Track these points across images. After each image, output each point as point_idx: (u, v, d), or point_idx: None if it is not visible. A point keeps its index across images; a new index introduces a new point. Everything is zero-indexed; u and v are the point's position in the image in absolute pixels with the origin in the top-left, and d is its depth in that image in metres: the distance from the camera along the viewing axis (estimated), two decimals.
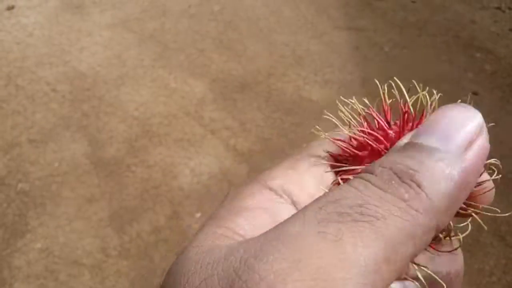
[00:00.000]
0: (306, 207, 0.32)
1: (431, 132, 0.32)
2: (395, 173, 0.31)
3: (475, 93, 2.31)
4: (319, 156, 0.39)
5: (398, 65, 2.49)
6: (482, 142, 0.32)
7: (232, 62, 2.47)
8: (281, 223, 0.32)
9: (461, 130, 0.32)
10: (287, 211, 0.35)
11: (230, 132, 2.12)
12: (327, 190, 0.37)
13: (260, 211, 0.35)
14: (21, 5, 2.74)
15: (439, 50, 2.62)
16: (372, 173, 0.32)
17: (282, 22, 2.75)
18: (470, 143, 0.32)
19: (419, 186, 0.31)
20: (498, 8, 2.94)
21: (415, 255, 0.31)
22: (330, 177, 0.38)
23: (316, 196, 0.34)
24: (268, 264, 0.28)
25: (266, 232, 0.31)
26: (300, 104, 2.28)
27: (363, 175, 0.32)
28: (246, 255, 0.29)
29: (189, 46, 2.55)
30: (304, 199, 0.36)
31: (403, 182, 0.31)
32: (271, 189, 0.36)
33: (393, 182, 0.31)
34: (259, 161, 2.00)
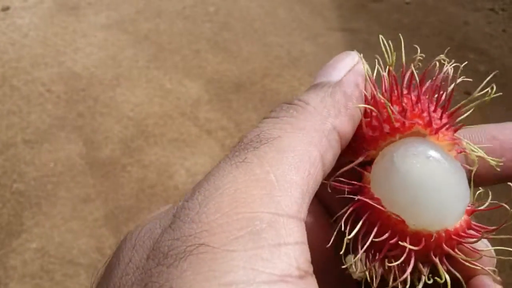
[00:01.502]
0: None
1: (322, 74, 0.40)
2: (289, 103, 0.37)
3: (468, 93, 2.32)
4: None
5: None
6: (357, 68, 0.39)
7: (227, 63, 2.48)
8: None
9: (338, 64, 0.40)
10: None
11: (226, 132, 2.13)
12: None
13: None
14: (16, 6, 2.74)
15: (432, 51, 2.62)
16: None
17: (277, 24, 2.76)
18: (348, 71, 0.39)
19: (306, 102, 0.37)
20: (492, 9, 2.96)
21: (323, 157, 0.35)
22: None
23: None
24: (194, 199, 0.32)
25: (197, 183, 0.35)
26: None
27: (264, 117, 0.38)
28: (180, 203, 0.33)
29: (184, 47, 2.55)
30: None
31: (293, 104, 0.37)
32: None
33: (283, 107, 0.37)
34: None
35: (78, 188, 1.89)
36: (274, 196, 0.31)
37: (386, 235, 0.32)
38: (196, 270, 0.28)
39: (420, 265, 0.33)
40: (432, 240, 0.32)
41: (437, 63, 0.40)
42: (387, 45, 0.41)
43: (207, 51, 2.54)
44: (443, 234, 0.32)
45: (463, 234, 0.33)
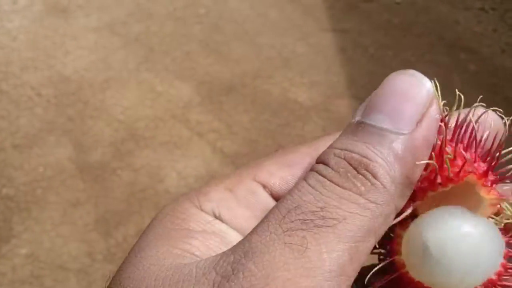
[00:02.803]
0: (269, 216, 0.32)
1: (380, 110, 0.32)
2: (350, 164, 0.31)
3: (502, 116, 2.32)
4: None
5: (383, 67, 2.50)
6: (433, 114, 0.32)
7: (218, 65, 2.47)
8: (247, 237, 0.32)
9: (409, 103, 0.31)
10: (232, 233, 0.36)
11: (217, 134, 2.12)
12: None
13: (209, 234, 0.35)
14: (6, 9, 2.72)
15: (423, 51, 2.63)
16: (326, 164, 0.32)
17: (268, 25, 2.76)
18: (421, 115, 0.31)
19: (374, 176, 0.31)
20: (482, 8, 2.97)
21: (376, 242, 0.32)
22: (262, 209, 0.37)
23: (245, 230, 0.34)
24: (238, 284, 0.29)
25: (234, 248, 0.32)
26: (286, 106, 2.28)
27: (318, 168, 0.33)
28: (219, 277, 0.30)
29: (175, 49, 2.54)
30: (234, 226, 0.36)
31: (359, 173, 0.31)
32: (204, 211, 0.36)
33: (349, 175, 0.31)
34: (246, 163, 2.00)
35: (68, 193, 1.88)
36: (320, 283, 0.29)
37: None
38: None
39: None
40: None
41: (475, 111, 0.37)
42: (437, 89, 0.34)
43: (198, 53, 2.53)
44: None
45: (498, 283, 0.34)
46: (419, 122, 0.31)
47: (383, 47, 2.62)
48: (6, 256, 1.70)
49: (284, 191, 0.37)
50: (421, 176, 0.33)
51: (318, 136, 0.40)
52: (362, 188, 0.31)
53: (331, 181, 0.31)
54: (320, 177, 0.32)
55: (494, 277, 0.33)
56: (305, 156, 0.39)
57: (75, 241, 1.74)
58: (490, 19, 2.90)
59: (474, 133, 0.35)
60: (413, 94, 0.32)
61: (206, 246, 0.34)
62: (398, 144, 0.31)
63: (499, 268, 0.33)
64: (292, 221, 0.30)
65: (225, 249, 0.33)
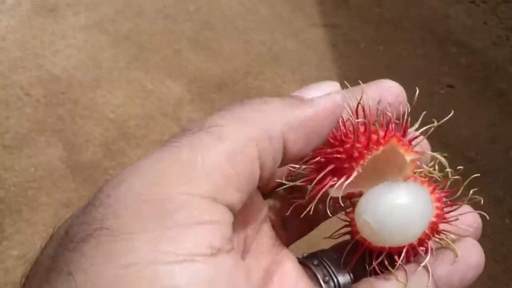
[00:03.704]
0: None
1: (297, 92, 0.39)
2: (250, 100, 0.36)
3: (450, 86, 2.32)
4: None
5: (375, 61, 2.50)
6: (334, 96, 0.39)
7: (209, 62, 2.46)
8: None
9: (318, 87, 0.39)
10: None
11: None
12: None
13: None
14: None
15: (414, 45, 2.63)
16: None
17: (258, 21, 2.74)
18: (325, 93, 0.39)
19: (265, 101, 0.36)
20: (472, 2, 2.97)
21: (261, 157, 0.33)
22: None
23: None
24: (109, 182, 0.32)
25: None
26: None
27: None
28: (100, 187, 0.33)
29: (165, 46, 2.53)
30: None
31: (252, 100, 0.36)
32: None
33: (243, 102, 0.36)
34: None
35: (59, 193, 1.86)
36: (192, 178, 0.30)
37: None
38: (95, 253, 0.28)
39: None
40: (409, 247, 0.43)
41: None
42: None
43: (188, 50, 2.51)
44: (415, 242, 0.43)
45: (434, 228, 0.44)
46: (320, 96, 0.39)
47: (374, 42, 2.61)
48: None
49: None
50: (359, 142, 0.42)
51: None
52: (248, 107, 0.35)
53: (222, 108, 0.35)
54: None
55: (427, 230, 0.43)
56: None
57: None
58: (481, 12, 2.91)
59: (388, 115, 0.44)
60: (320, 84, 0.40)
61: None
62: (296, 99, 0.38)
63: (431, 219, 0.43)
64: (174, 135, 0.33)
65: None
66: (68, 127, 2.09)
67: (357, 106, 0.43)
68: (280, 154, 0.36)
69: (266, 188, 0.46)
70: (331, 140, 0.43)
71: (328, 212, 0.44)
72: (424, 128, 0.45)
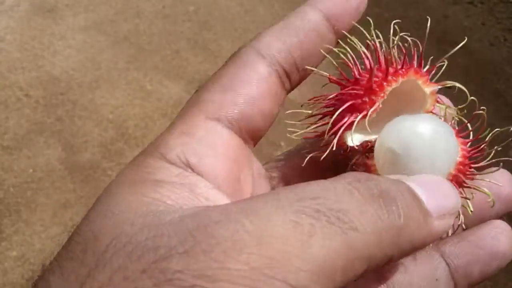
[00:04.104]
0: (280, 192, 0.32)
1: (424, 189, 0.34)
2: (388, 193, 0.32)
3: (448, 87, 2.33)
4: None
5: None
6: (449, 222, 0.35)
7: (208, 63, 2.46)
8: (250, 199, 0.32)
9: (445, 201, 0.35)
10: (202, 183, 0.35)
11: None
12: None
13: (176, 185, 0.34)
14: None
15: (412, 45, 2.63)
16: (363, 182, 0.33)
17: (257, 21, 2.75)
18: (444, 215, 0.34)
19: (399, 216, 0.32)
20: (471, 2, 2.98)
21: (361, 275, 0.31)
22: (228, 143, 0.38)
23: (216, 168, 0.35)
24: (229, 232, 0.28)
25: (230, 204, 0.31)
26: None
27: (350, 180, 0.33)
28: (207, 220, 0.29)
29: (164, 47, 2.53)
30: (205, 169, 0.36)
31: (390, 204, 0.32)
32: (169, 162, 0.35)
33: (381, 200, 0.32)
34: None
35: (58, 194, 1.86)
36: (310, 279, 0.29)
37: None
38: None
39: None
40: None
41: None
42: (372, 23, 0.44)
43: (187, 51, 2.52)
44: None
45: (466, 166, 0.39)
46: (440, 218, 0.35)
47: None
48: None
49: (236, 114, 0.38)
50: (376, 76, 0.40)
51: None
52: (386, 216, 0.31)
53: (361, 195, 0.32)
54: (350, 187, 0.32)
55: (454, 171, 0.39)
56: (238, 74, 0.40)
57: None
58: (479, 13, 2.91)
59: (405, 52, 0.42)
60: (450, 197, 0.36)
61: (176, 194, 0.33)
62: (423, 215, 0.34)
63: (457, 159, 0.39)
64: (305, 207, 0.30)
65: (195, 200, 0.33)
66: (67, 128, 2.10)
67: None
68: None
69: None
70: (343, 84, 0.41)
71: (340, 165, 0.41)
72: (447, 56, 0.43)
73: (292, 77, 0.43)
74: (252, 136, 0.41)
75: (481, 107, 0.42)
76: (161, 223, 0.30)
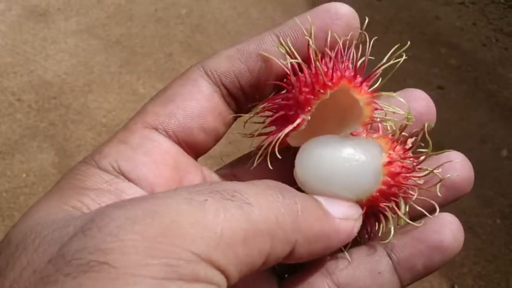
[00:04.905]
0: (182, 186, 0.33)
1: (327, 200, 0.38)
2: (282, 188, 0.35)
3: (441, 88, 2.34)
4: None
5: None
6: (353, 224, 0.38)
7: None
8: (157, 193, 0.33)
9: (348, 209, 0.38)
10: (131, 189, 0.37)
11: None
12: None
13: (104, 192, 0.35)
14: None
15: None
16: (266, 181, 0.36)
17: (250, 24, 2.75)
18: (346, 218, 0.38)
19: (295, 203, 0.34)
20: (462, 3, 2.99)
21: (270, 258, 0.33)
22: (165, 151, 0.39)
23: (151, 175, 0.37)
24: (122, 211, 0.29)
25: (137, 197, 0.33)
26: None
27: (264, 182, 0.35)
28: (107, 207, 0.31)
29: (156, 50, 2.53)
30: (138, 176, 0.37)
31: (285, 193, 0.35)
32: (101, 168, 0.37)
33: (277, 189, 0.35)
34: (230, 164, 1.99)
35: None
36: (208, 243, 0.30)
37: None
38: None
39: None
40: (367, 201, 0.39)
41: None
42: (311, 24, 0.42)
43: (180, 54, 2.51)
44: (375, 194, 0.39)
45: (389, 192, 0.39)
46: (342, 219, 0.38)
47: (365, 44, 2.62)
48: None
49: (175, 126, 0.40)
50: (302, 88, 0.38)
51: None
52: (281, 199, 0.34)
53: (256, 184, 0.34)
54: (255, 182, 0.35)
55: (375, 193, 0.39)
56: (180, 88, 0.41)
57: None
58: (470, 14, 2.93)
59: (340, 51, 0.40)
60: (351, 208, 0.39)
61: (97, 204, 0.34)
62: (323, 212, 0.38)
63: (381, 178, 0.38)
64: (200, 189, 0.31)
65: None
66: (60, 132, 2.09)
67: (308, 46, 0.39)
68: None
69: None
70: (285, 85, 0.41)
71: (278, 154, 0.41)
72: (395, 94, 0.42)
73: (239, 100, 0.43)
74: (193, 149, 0.42)
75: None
76: (70, 218, 0.31)
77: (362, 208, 0.39)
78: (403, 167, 0.39)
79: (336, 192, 0.38)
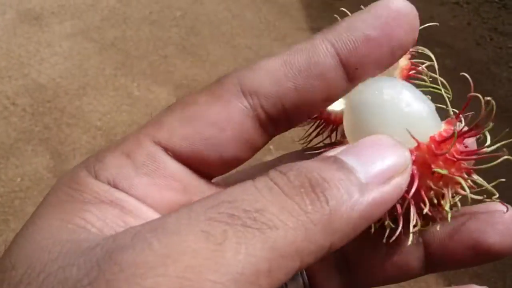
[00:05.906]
0: (195, 202, 0.30)
1: (356, 154, 0.31)
2: (309, 181, 0.30)
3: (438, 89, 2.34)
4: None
5: None
6: (400, 182, 0.31)
7: (195, 68, 2.46)
8: (164, 216, 0.30)
9: (383, 161, 0.31)
10: (133, 201, 0.33)
11: None
12: None
13: (106, 205, 0.32)
14: None
15: None
16: (283, 174, 0.30)
17: (245, 26, 2.75)
18: (388, 178, 0.31)
19: (327, 202, 0.29)
20: (456, 3, 3.00)
21: (301, 269, 0.29)
22: (167, 176, 0.35)
23: (147, 198, 0.33)
24: (131, 256, 0.26)
25: (141, 224, 0.29)
26: None
27: (272, 175, 0.30)
28: (114, 245, 0.27)
29: (151, 53, 2.52)
30: (133, 195, 0.33)
31: (313, 192, 0.29)
32: (100, 180, 0.33)
33: (302, 190, 0.29)
34: None
35: None
36: (224, 271, 0.27)
37: None
38: None
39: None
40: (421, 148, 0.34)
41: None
42: None
43: (175, 56, 2.51)
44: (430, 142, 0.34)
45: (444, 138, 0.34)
46: (384, 183, 0.31)
47: None
48: None
49: (188, 151, 0.34)
50: None
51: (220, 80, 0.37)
52: (309, 207, 0.29)
53: (281, 189, 0.29)
54: (271, 183, 0.30)
55: (428, 141, 0.34)
56: (207, 108, 0.35)
57: None
58: (465, 13, 2.93)
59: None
60: (389, 157, 0.32)
61: (102, 221, 0.31)
62: (358, 188, 0.30)
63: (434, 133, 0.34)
64: (219, 213, 0.28)
65: (123, 220, 0.31)
66: (54, 136, 2.08)
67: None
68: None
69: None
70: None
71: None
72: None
73: (279, 124, 0.37)
74: (206, 175, 0.37)
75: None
76: (78, 250, 0.28)
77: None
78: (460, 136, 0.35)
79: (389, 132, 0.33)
